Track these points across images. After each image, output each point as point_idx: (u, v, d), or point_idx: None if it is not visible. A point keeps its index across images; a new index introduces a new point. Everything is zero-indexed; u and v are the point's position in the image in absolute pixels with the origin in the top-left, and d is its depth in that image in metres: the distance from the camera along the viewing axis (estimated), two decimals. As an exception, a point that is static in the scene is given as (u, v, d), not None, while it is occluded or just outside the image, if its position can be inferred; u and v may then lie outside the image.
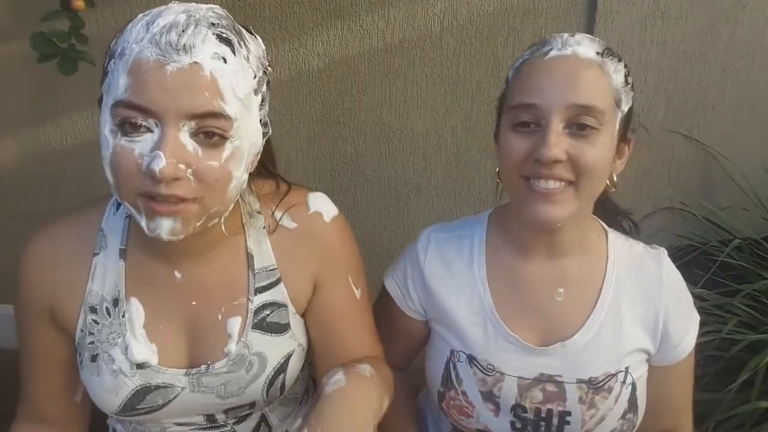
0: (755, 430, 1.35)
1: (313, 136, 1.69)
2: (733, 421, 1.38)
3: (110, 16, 1.49)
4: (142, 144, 0.68)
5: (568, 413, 0.87)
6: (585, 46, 0.80)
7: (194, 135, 0.69)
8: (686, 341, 0.89)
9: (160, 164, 0.65)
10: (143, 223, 0.71)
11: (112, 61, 0.70)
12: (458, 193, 1.79)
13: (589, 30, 1.63)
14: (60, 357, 0.86)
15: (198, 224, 0.72)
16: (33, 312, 0.84)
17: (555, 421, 0.88)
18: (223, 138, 0.70)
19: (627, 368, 0.87)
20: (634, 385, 0.88)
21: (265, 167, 0.88)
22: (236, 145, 0.72)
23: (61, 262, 0.82)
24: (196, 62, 0.67)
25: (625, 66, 0.83)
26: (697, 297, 1.52)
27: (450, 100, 1.67)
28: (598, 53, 0.80)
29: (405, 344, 1.04)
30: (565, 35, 0.82)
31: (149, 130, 0.68)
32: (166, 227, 0.70)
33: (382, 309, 1.01)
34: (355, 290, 0.92)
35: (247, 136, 0.74)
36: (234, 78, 0.70)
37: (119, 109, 0.67)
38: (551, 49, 0.81)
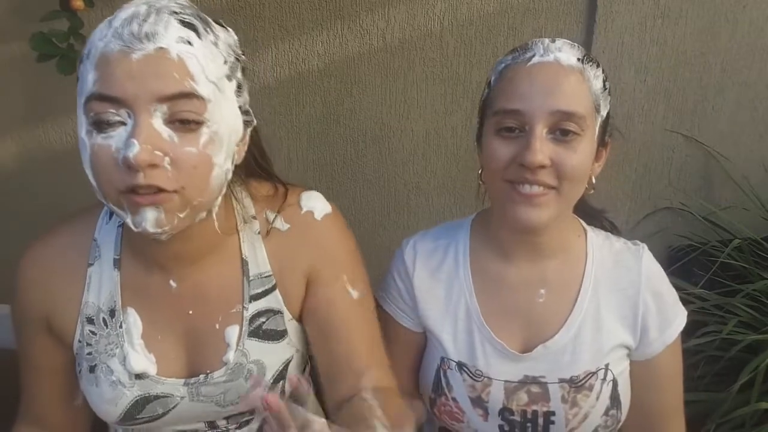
0: (756, 431, 1.35)
1: (313, 136, 1.69)
2: (733, 422, 1.38)
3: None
4: (116, 138, 0.66)
5: (553, 413, 0.88)
6: (566, 53, 0.81)
7: (169, 122, 0.67)
8: (665, 335, 0.89)
9: (134, 150, 0.63)
10: (129, 220, 0.69)
11: (81, 65, 0.70)
12: (458, 193, 1.79)
13: (589, 29, 1.63)
14: (58, 364, 0.85)
15: (182, 216, 0.70)
16: (30, 322, 0.83)
17: (540, 421, 0.89)
18: (198, 123, 0.68)
19: (607, 365, 0.88)
20: (615, 381, 0.89)
21: (258, 163, 0.86)
22: (214, 129, 0.69)
23: (57, 274, 0.82)
24: (161, 47, 0.66)
25: (603, 71, 0.84)
26: (697, 297, 1.54)
27: (450, 100, 1.67)
28: (578, 59, 0.82)
29: (415, 362, 1.01)
30: (546, 41, 0.83)
31: (123, 123, 0.66)
32: (150, 218, 0.68)
33: (384, 333, 0.96)
34: (351, 291, 0.87)
35: (224, 121, 0.71)
36: (203, 60, 0.68)
37: (90, 103, 0.66)
38: (534, 55, 0.82)
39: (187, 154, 0.67)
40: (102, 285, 0.82)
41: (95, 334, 0.82)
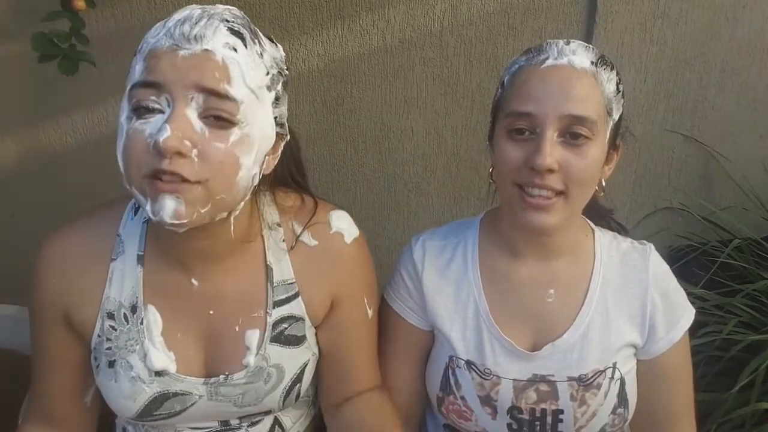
0: (756, 431, 1.35)
1: (313, 136, 1.69)
2: (733, 422, 1.38)
3: (110, 16, 1.49)
4: (152, 124, 0.68)
5: (561, 411, 0.89)
6: (580, 56, 0.82)
7: (203, 117, 0.69)
8: (671, 333, 0.90)
9: (165, 135, 0.66)
10: (148, 207, 0.70)
11: (133, 58, 0.73)
12: (458, 193, 1.79)
13: (589, 29, 1.63)
14: (72, 359, 0.85)
15: (203, 211, 0.71)
16: (47, 315, 0.83)
17: (549, 419, 0.89)
18: (231, 123, 0.70)
19: (614, 364, 0.89)
20: (623, 380, 0.89)
21: (293, 176, 0.89)
22: (245, 131, 0.71)
23: (77, 268, 0.82)
24: (207, 49, 0.69)
25: (617, 74, 0.84)
26: (697, 297, 1.54)
27: (450, 100, 1.67)
28: (592, 62, 0.82)
29: (420, 360, 1.00)
30: (561, 43, 0.83)
31: (161, 111, 0.69)
32: (168, 208, 0.68)
33: (390, 330, 0.99)
34: (368, 310, 0.93)
35: (257, 125, 0.73)
36: (245, 67, 0.71)
37: (134, 90, 0.70)
38: (547, 58, 0.82)
39: (214, 148, 0.69)
40: (124, 281, 0.83)
41: (115, 330, 0.82)
